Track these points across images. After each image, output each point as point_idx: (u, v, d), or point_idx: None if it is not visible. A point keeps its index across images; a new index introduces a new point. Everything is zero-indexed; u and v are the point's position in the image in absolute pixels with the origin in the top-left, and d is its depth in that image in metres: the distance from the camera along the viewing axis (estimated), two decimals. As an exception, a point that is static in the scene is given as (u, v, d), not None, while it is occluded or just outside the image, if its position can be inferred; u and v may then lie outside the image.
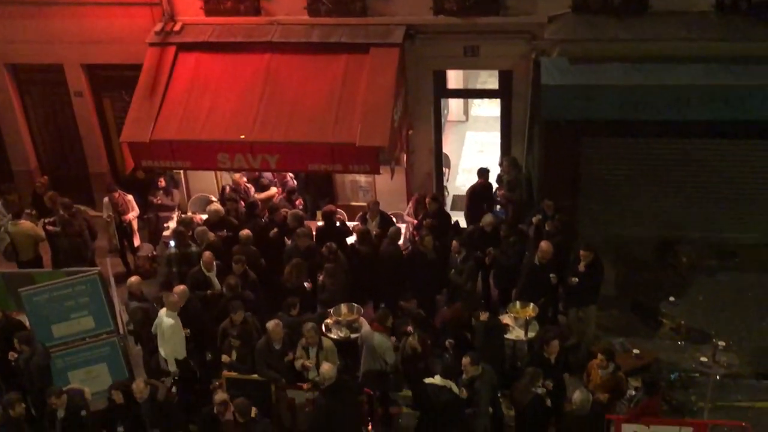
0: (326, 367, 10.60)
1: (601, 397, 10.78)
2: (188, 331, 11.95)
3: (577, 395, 10.33)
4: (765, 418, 12.05)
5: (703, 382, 12.32)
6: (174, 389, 12.15)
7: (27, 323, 12.28)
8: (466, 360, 10.62)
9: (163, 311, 11.92)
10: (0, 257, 14.81)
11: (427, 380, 10.65)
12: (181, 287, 12.25)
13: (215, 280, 12.85)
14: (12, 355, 11.57)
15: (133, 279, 12.80)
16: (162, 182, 15.66)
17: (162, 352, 12.05)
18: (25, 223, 14.52)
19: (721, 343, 12.03)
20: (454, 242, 13.12)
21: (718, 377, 12.09)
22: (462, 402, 10.59)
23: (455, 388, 10.55)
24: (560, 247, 12.80)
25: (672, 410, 12.19)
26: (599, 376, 11.02)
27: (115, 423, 10.58)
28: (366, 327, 12.11)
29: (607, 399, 10.91)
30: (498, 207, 14.99)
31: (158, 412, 10.52)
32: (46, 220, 14.77)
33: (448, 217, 14.49)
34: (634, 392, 11.36)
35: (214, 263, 12.92)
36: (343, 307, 12.53)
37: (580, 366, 11.73)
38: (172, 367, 12.06)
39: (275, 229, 13.95)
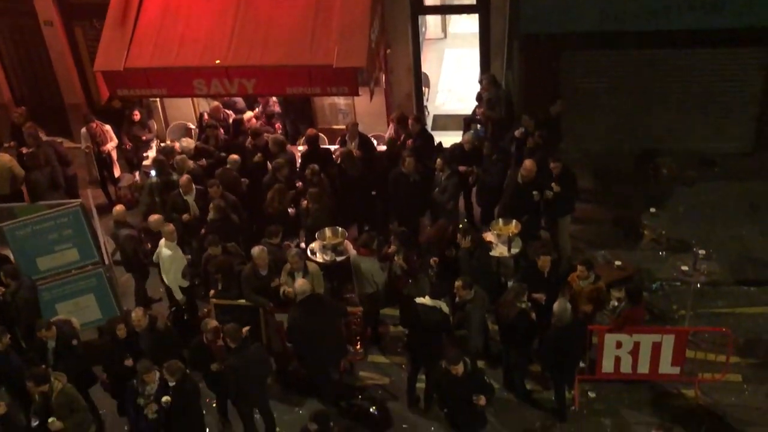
0: (300, 282, 10.76)
1: (583, 308, 10.95)
2: (189, 257, 11.99)
3: (555, 306, 10.50)
4: (745, 324, 12.32)
5: (684, 290, 12.53)
6: (186, 317, 12.36)
7: (12, 258, 12.27)
8: (458, 284, 10.71)
9: (162, 242, 12.00)
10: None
11: (418, 300, 10.78)
12: (156, 216, 12.30)
13: (194, 204, 12.84)
14: (-1, 289, 11.58)
15: (119, 208, 12.76)
16: (137, 115, 15.45)
17: (165, 280, 12.19)
18: (3, 156, 14.36)
19: (702, 252, 12.17)
20: (439, 159, 13.10)
21: (699, 285, 12.29)
22: (450, 321, 10.73)
23: (445, 308, 10.68)
24: (541, 163, 12.82)
25: (654, 319, 12.42)
26: (580, 288, 11.17)
27: (122, 357, 10.55)
28: (352, 251, 12.18)
29: (590, 309, 11.08)
30: (479, 126, 14.92)
31: (158, 342, 10.58)
32: (24, 150, 14.60)
33: (432, 138, 14.38)
34: (617, 303, 11.53)
35: (193, 187, 12.89)
36: (328, 231, 12.54)
37: (561, 279, 11.89)
38: (178, 295, 12.23)
39: (259, 154, 13.86)
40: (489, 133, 14.64)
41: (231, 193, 12.95)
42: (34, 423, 9.70)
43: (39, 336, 10.54)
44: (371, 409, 11.35)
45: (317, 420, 9.14)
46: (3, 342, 10.43)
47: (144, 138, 15.49)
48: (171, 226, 12.01)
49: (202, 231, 12.48)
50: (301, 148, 14.38)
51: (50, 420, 9.51)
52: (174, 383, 9.61)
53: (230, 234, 12.21)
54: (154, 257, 12.27)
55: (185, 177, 12.90)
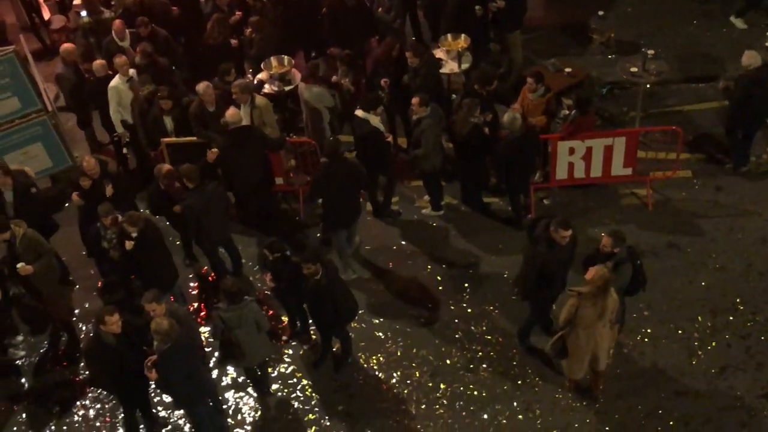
0: (231, 111, 10.65)
1: (534, 120, 10.97)
2: (151, 86, 11.52)
3: (505, 117, 10.52)
4: (694, 120, 12.54)
5: (634, 92, 12.63)
6: (125, 151, 12.27)
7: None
8: (414, 101, 10.63)
9: (116, 76, 11.64)
10: None
11: (356, 112, 10.80)
12: (99, 61, 11.85)
13: (130, 50, 12.33)
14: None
15: (67, 46, 12.18)
16: None
17: (112, 115, 11.87)
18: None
19: (650, 52, 12.18)
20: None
21: (648, 86, 12.38)
22: (379, 133, 10.76)
23: (373, 120, 10.67)
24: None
25: (605, 123, 12.58)
26: (530, 100, 11.17)
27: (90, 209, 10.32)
28: (298, 78, 11.97)
29: (543, 121, 11.13)
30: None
31: (113, 185, 10.47)
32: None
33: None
34: (567, 111, 11.59)
35: (127, 31, 12.37)
36: (273, 60, 12.27)
37: (511, 94, 11.88)
38: (119, 128, 11.96)
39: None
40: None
41: (162, 23, 12.47)
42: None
43: None
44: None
45: (272, 248, 9.28)
46: None
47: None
48: (123, 58, 11.54)
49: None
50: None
51: (19, 265, 9.51)
52: (136, 233, 9.60)
53: (161, 77, 11.77)
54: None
55: (117, 22, 12.31)
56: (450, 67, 12.29)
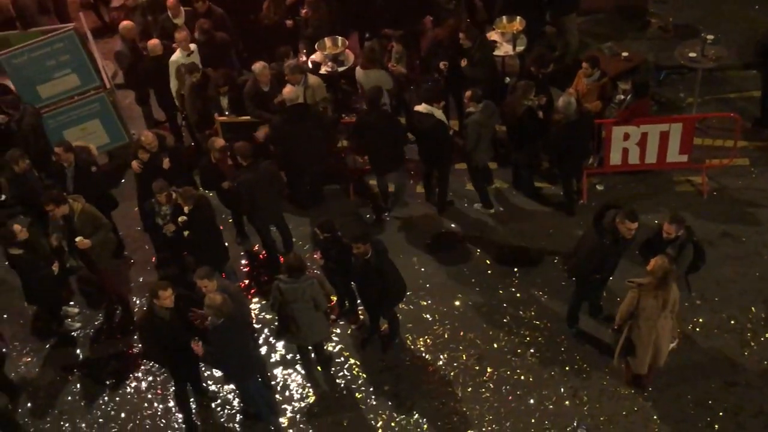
0: (288, 89, 10.69)
1: (589, 105, 10.85)
2: (198, 74, 11.58)
3: (560, 101, 10.40)
4: (752, 107, 12.28)
5: (692, 77, 12.41)
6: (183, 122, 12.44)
7: (13, 88, 12.12)
8: (468, 94, 10.57)
9: (177, 51, 11.77)
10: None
11: (416, 108, 10.72)
12: (155, 41, 11.93)
13: (184, 27, 12.38)
14: (1, 118, 11.42)
15: (126, 24, 12.29)
16: None
17: (172, 88, 11.99)
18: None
19: (710, 37, 11.95)
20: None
21: (707, 71, 12.15)
22: (444, 126, 10.71)
23: (437, 113, 10.62)
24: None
25: (662, 108, 12.40)
26: (585, 85, 11.04)
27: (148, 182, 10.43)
28: (352, 59, 11.97)
29: (598, 106, 10.99)
30: None
31: (171, 159, 10.64)
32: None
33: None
34: (623, 96, 11.45)
35: (182, 9, 12.45)
36: (327, 41, 12.29)
37: (565, 77, 11.73)
38: (178, 101, 12.10)
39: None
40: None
41: (219, 2, 12.55)
42: (55, 243, 9.96)
43: (57, 156, 10.45)
44: (385, 215, 11.59)
45: (323, 228, 9.35)
46: (21, 166, 10.41)
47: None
48: (184, 33, 11.63)
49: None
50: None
51: (77, 239, 9.71)
52: (189, 209, 9.73)
53: (218, 53, 11.89)
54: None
55: (171, 0, 12.42)
56: (505, 49, 12.20)
